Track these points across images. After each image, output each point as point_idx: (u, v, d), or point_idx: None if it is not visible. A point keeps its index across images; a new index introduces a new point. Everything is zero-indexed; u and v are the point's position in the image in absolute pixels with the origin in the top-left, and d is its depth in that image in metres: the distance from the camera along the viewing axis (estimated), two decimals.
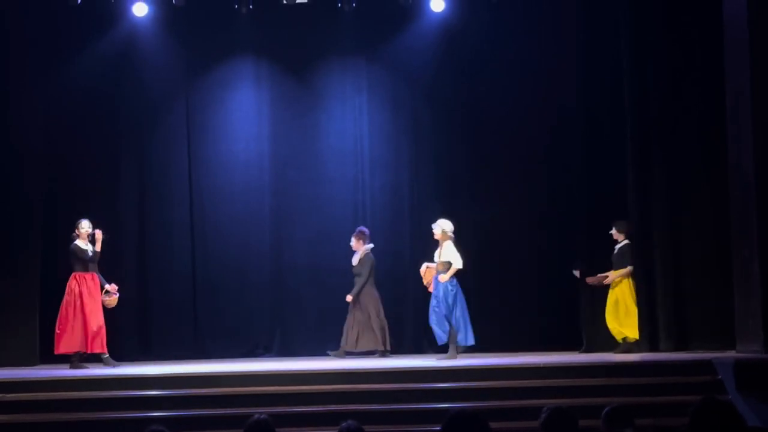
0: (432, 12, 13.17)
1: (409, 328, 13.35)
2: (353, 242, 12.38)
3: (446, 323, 11.55)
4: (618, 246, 12.10)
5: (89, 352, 11.46)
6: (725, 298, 11.04)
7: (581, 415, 4.70)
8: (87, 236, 11.59)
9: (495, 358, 11.55)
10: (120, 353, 12.24)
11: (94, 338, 11.37)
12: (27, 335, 12.09)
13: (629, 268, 11.96)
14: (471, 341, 11.67)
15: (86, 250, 11.53)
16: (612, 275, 12.03)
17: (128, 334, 12.77)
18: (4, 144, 12.17)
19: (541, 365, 10.29)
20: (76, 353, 11.40)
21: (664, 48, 12.10)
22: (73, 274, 11.51)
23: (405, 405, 9.28)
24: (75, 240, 11.58)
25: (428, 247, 13.26)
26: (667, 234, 12.00)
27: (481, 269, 12.89)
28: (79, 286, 11.44)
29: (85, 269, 11.51)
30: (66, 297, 11.45)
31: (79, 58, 13.03)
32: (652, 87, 12.15)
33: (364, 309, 12.24)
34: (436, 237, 11.73)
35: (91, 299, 11.44)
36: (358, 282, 12.29)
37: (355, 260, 12.36)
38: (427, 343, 13.12)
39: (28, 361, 11.89)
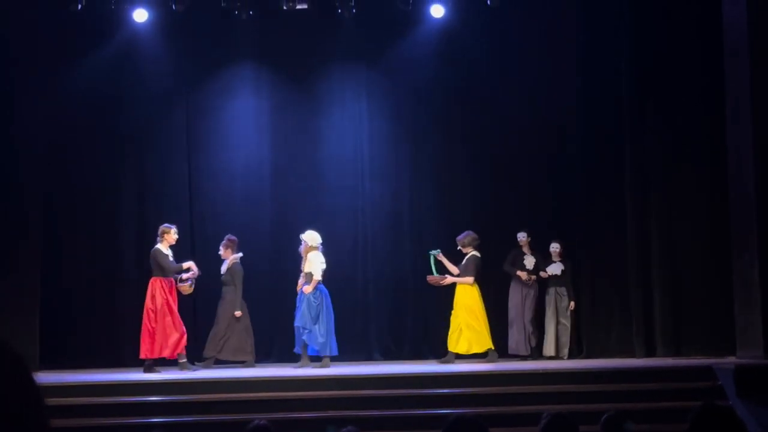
0: (432, 18, 13.17)
1: (408, 334, 13.35)
2: (221, 251, 12.29)
3: (304, 332, 11.60)
4: (466, 257, 12.19)
5: (166, 357, 11.55)
6: (725, 303, 11.05)
7: (581, 421, 4.69)
8: (170, 242, 11.69)
9: (495, 364, 11.54)
10: (120, 360, 12.23)
11: (163, 343, 11.46)
12: (27, 340, 12.07)
13: (469, 278, 12.05)
14: (335, 351, 11.66)
15: (167, 255, 11.64)
16: (450, 278, 12.12)
17: (128, 341, 12.74)
18: (5, 149, 12.18)
19: (540, 370, 10.29)
20: (150, 359, 11.49)
21: (664, 52, 12.12)
22: (152, 279, 11.59)
23: (405, 411, 9.29)
24: (157, 244, 11.67)
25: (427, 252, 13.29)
26: (666, 239, 12.01)
27: (483, 275, 12.86)
28: (156, 292, 11.54)
29: (164, 274, 11.59)
30: (146, 303, 11.56)
31: (79, 64, 13.03)
32: (651, 92, 12.18)
33: (228, 317, 12.12)
34: (301, 248, 11.81)
35: (168, 305, 11.53)
36: (230, 291, 12.15)
37: (223, 269, 12.28)
38: (426, 349, 13.12)
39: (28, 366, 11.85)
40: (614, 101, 12.50)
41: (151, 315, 11.47)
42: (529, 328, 12.44)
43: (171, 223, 12.93)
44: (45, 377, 10.96)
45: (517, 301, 12.49)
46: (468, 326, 11.95)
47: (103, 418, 9.25)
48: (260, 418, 5.05)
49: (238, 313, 12.09)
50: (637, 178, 12.21)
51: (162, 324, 11.45)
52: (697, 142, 11.93)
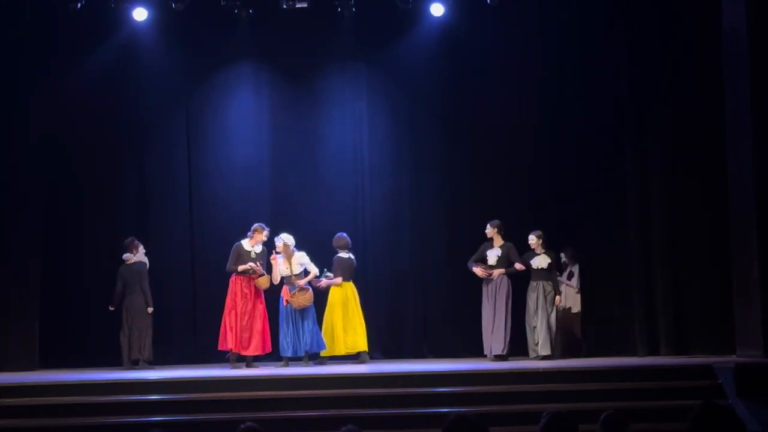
0: (432, 17, 13.16)
1: (408, 333, 13.35)
2: None
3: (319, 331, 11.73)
4: (334, 259, 12.20)
5: (242, 353, 11.68)
6: (725, 303, 11.05)
7: (581, 420, 4.69)
8: (258, 241, 11.82)
9: (495, 363, 11.53)
10: (120, 359, 12.21)
11: (239, 339, 11.63)
12: (27, 340, 12.09)
13: (338, 279, 12.05)
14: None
15: (249, 252, 11.77)
16: (325, 282, 12.11)
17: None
18: (5, 149, 12.18)
19: (540, 369, 10.29)
20: (233, 353, 11.69)
21: (664, 51, 12.12)
22: (232, 277, 11.79)
23: (405, 410, 9.27)
24: (244, 239, 11.86)
25: (428, 253, 13.29)
26: (666, 240, 12.02)
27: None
28: (234, 287, 11.76)
29: (228, 267, 11.75)
30: (227, 297, 11.79)
31: (79, 62, 13.03)
32: (652, 93, 12.17)
33: (132, 317, 12.09)
34: (279, 250, 11.84)
35: (243, 300, 11.68)
36: (137, 291, 12.20)
37: None
38: (426, 348, 13.12)
39: (27, 366, 11.88)
40: (615, 100, 12.51)
41: (232, 309, 11.69)
42: (500, 330, 11.85)
43: (172, 221, 13.02)
44: (45, 377, 10.96)
45: (484, 301, 12.08)
46: (339, 327, 11.94)
47: (102, 416, 9.24)
48: (251, 420, 5.05)
49: (149, 310, 12.16)
50: (638, 177, 12.21)
51: (241, 318, 11.65)
52: (698, 144, 11.92)
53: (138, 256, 12.28)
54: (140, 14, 12.91)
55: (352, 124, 13.50)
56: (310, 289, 11.84)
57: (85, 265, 12.95)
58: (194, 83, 13.44)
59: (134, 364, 11.97)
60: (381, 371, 10.67)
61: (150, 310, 12.16)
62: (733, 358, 10.38)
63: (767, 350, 9.89)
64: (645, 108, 12.19)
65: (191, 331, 13.20)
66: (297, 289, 11.71)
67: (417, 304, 13.33)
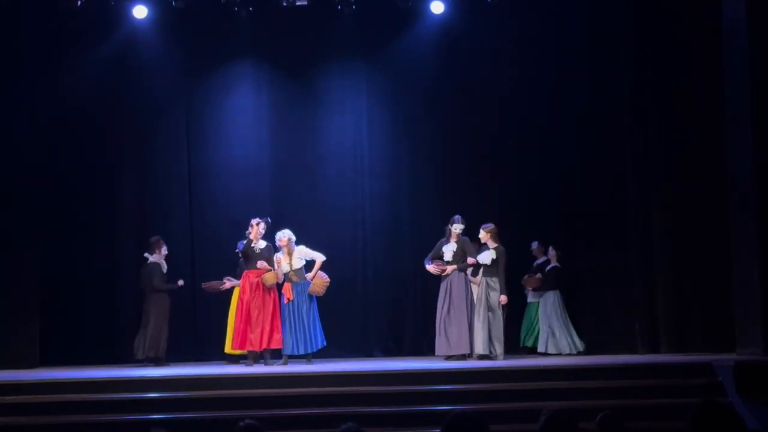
0: (432, 15, 13.18)
1: (408, 331, 13.36)
2: None
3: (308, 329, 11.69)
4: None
5: (257, 349, 11.62)
6: (725, 301, 11.06)
7: (581, 418, 4.70)
8: (258, 236, 11.74)
9: (495, 361, 11.53)
10: (121, 357, 12.22)
11: (251, 336, 11.59)
12: (27, 337, 12.09)
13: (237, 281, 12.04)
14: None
15: (254, 248, 11.72)
16: (228, 284, 12.16)
17: (129, 339, 12.73)
18: (3, 148, 12.17)
19: (542, 367, 10.30)
20: (251, 352, 11.63)
21: (665, 49, 12.13)
22: (244, 271, 11.80)
23: (405, 407, 9.28)
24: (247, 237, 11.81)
25: (428, 252, 13.28)
26: (667, 238, 12.02)
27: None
28: (242, 284, 11.77)
29: (250, 266, 11.73)
30: (241, 296, 11.80)
31: (78, 61, 13.02)
32: (653, 92, 12.18)
33: (148, 316, 12.16)
34: (280, 245, 11.79)
35: (248, 296, 11.65)
36: (149, 291, 12.27)
37: None
38: (426, 346, 13.12)
39: (27, 364, 11.88)
40: (616, 98, 12.49)
41: (241, 306, 11.67)
42: (460, 328, 11.49)
43: (172, 219, 13.02)
44: (45, 374, 10.96)
45: (440, 299, 11.80)
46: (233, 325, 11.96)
47: (102, 414, 9.25)
48: (250, 417, 5.06)
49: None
50: (639, 176, 12.21)
51: (249, 315, 11.62)
52: (699, 143, 11.92)
53: (154, 257, 12.27)
54: (140, 12, 12.92)
55: (352, 122, 13.51)
56: (325, 277, 11.78)
57: (85, 264, 12.93)
58: (194, 81, 13.44)
59: (150, 362, 11.97)
60: (381, 369, 10.67)
61: (167, 303, 12.19)
62: (733, 356, 10.38)
63: (767, 348, 9.90)
64: (645, 107, 12.18)
65: (191, 330, 13.21)
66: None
67: (417, 303, 13.33)
